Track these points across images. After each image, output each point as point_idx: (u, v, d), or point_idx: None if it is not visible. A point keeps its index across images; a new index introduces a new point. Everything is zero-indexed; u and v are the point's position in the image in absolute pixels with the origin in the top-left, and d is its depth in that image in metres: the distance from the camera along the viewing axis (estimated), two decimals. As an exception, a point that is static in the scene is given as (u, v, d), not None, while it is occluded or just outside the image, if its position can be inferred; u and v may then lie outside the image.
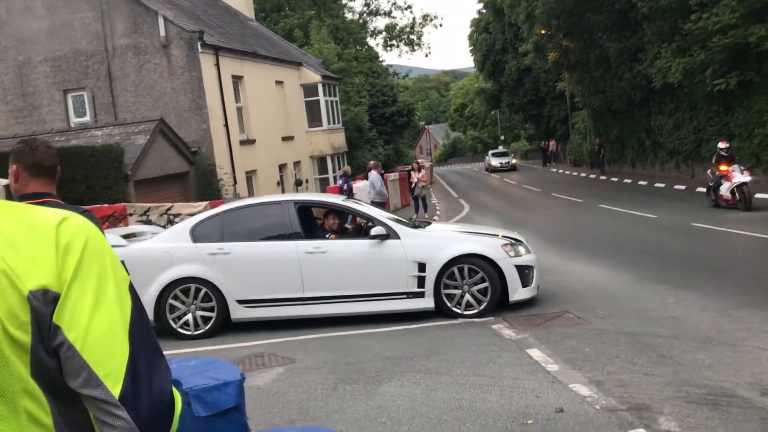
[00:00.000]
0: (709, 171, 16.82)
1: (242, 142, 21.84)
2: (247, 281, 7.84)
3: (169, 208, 12.94)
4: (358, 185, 19.41)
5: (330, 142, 29.20)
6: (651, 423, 4.42)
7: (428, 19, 59.34)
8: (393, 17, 66.91)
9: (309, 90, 28.47)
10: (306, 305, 7.86)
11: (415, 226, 8.28)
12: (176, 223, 11.91)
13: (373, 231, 7.79)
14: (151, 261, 7.85)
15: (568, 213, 19.37)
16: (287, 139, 26.01)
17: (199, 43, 19.29)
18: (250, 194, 21.79)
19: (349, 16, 51.74)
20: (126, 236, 8.43)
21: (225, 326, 8.02)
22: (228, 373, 2.67)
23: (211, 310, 7.88)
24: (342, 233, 8.68)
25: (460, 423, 4.69)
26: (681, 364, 5.55)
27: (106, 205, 13.01)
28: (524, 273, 7.79)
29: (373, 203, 16.34)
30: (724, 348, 5.87)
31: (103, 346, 1.07)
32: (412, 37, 56.69)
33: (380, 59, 48.99)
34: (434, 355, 6.42)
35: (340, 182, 18.33)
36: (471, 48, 58.48)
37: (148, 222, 12.34)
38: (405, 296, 7.73)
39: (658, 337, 6.33)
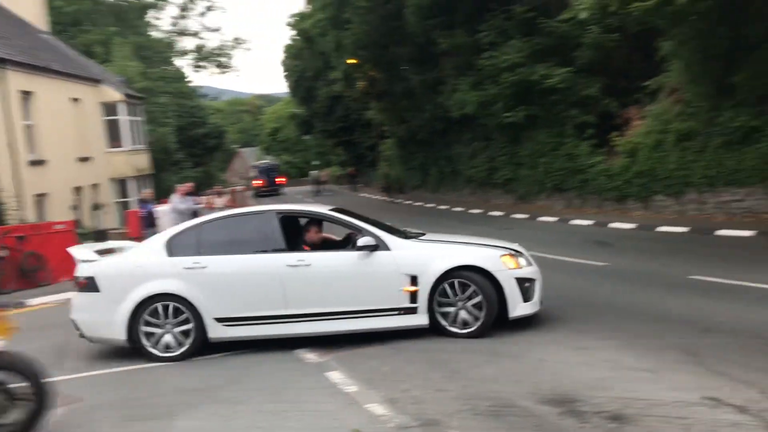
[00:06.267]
0: None
1: (31, 163, 20.07)
2: (225, 297, 7.27)
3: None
4: (162, 209, 18.59)
5: (132, 163, 27.75)
6: (440, 437, 4.61)
7: (239, 42, 58.80)
8: (202, 38, 65.31)
9: (109, 109, 26.92)
10: (289, 323, 7.26)
11: (407, 237, 7.75)
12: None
13: (361, 242, 7.26)
14: (124, 276, 7.36)
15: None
16: (84, 160, 24.33)
17: (-21, 54, 17.52)
18: (41, 219, 20.03)
19: (155, 34, 49.79)
20: (103, 251, 7.87)
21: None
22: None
23: (187, 329, 7.28)
24: (324, 246, 7.96)
25: (256, 452, 4.58)
26: (470, 378, 5.86)
27: None
28: (525, 286, 7.25)
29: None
30: (508, 360, 6.30)
31: None
32: (222, 59, 55.76)
33: (188, 80, 47.66)
34: (233, 385, 6.25)
35: (142, 207, 17.40)
36: (285, 74, 58.79)
37: None
38: (397, 312, 7.19)
39: (451, 353, 6.66)
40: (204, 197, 21.08)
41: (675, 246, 13.09)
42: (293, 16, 53.22)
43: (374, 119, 41.41)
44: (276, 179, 56.51)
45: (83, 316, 7.44)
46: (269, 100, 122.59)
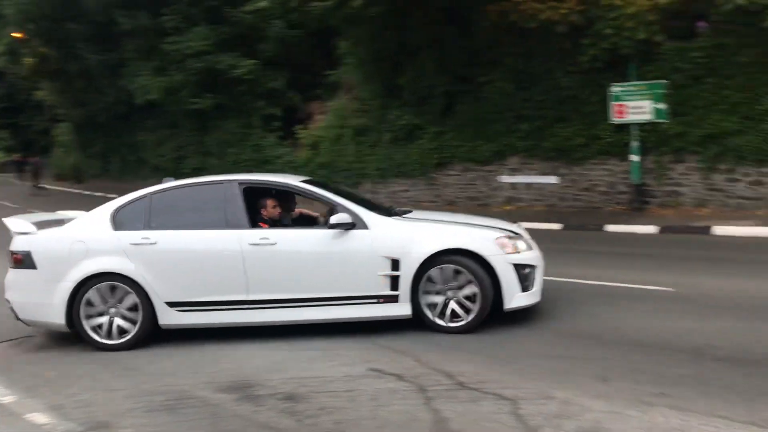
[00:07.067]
0: None
1: None
2: (178, 279, 6.44)
3: None
4: None
5: None
6: (110, 439, 4.37)
7: None
8: None
9: None
10: (251, 310, 6.40)
11: (391, 214, 6.77)
12: None
13: (334, 218, 6.33)
14: (63, 252, 6.51)
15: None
16: None
17: None
18: None
19: None
20: (45, 222, 6.89)
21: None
22: None
23: (134, 313, 6.44)
24: (286, 223, 6.96)
25: None
26: (145, 374, 5.65)
27: None
28: (523, 273, 6.32)
29: None
30: (188, 352, 6.21)
31: None
32: None
33: None
34: None
35: None
36: (-72, 42, 50.12)
37: None
38: (375, 300, 6.29)
39: (126, 350, 6.37)
40: None
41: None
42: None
43: (46, 101, 37.46)
44: None
45: (18, 297, 6.61)
46: None
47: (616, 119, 13.33)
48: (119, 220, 6.66)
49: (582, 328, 6.14)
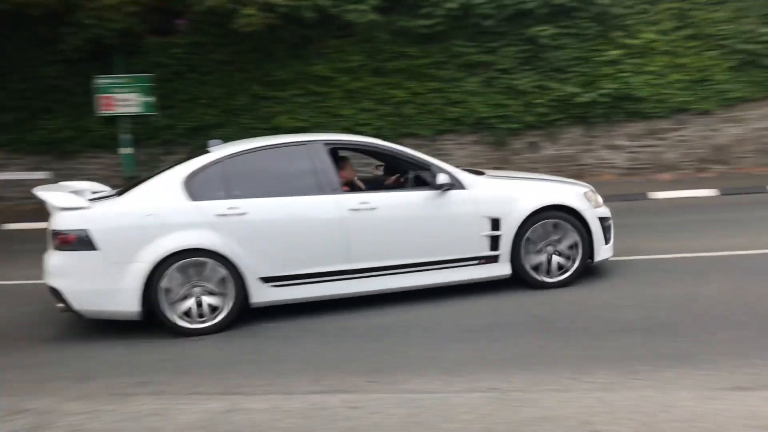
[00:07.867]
0: None
1: None
2: (273, 251, 5.81)
3: None
4: None
5: None
6: None
7: None
8: None
9: None
10: (353, 279, 5.98)
11: (474, 174, 6.56)
12: None
13: (440, 179, 6.05)
14: (132, 229, 5.63)
15: None
16: None
17: None
18: None
19: None
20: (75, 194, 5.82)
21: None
22: None
23: (222, 292, 5.67)
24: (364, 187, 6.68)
25: None
26: None
27: None
28: (606, 226, 6.62)
29: None
30: None
31: None
32: None
33: None
34: None
35: None
36: None
37: None
38: (477, 261, 6.19)
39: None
40: None
41: None
42: None
43: None
44: None
45: (72, 284, 5.51)
46: None
47: (104, 111, 13.19)
48: (195, 189, 5.85)
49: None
